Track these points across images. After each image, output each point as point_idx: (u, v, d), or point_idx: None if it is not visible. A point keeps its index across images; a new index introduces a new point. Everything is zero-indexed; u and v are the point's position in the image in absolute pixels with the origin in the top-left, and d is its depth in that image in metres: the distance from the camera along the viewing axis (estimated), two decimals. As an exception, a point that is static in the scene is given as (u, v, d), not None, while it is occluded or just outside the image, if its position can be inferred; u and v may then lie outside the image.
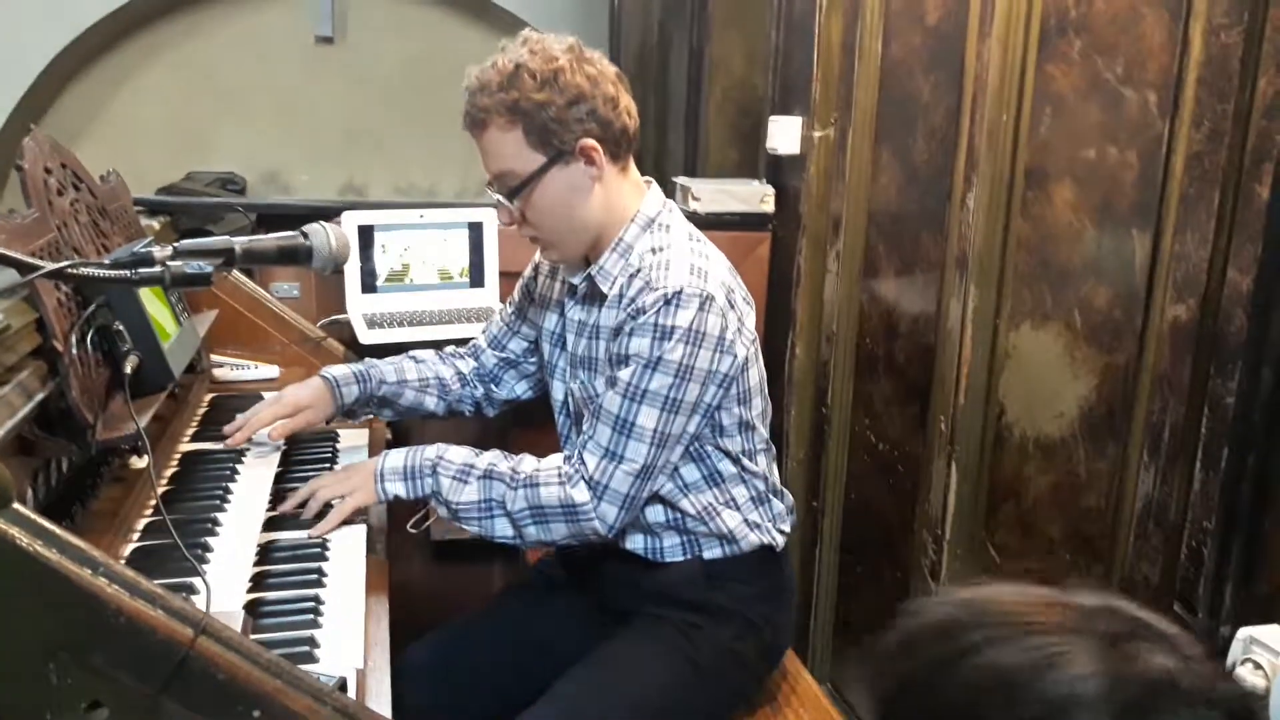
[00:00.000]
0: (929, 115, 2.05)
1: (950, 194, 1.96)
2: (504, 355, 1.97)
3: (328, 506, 1.66)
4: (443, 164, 4.91)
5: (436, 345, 2.06)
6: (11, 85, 4.21)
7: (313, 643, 1.34)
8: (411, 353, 2.00)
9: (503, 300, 2.49)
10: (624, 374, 1.58)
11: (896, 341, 2.20)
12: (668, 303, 1.55)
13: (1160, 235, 1.60)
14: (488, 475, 1.65)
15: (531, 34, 1.62)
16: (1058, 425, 1.75)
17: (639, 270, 1.62)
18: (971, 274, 1.88)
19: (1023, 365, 1.84)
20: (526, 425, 2.30)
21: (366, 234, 2.38)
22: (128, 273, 1.28)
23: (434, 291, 2.45)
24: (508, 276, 2.48)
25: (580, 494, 1.60)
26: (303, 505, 1.66)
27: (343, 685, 1.24)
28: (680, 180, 2.63)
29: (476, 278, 2.48)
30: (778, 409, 2.47)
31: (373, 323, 2.34)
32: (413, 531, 2.13)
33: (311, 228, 1.51)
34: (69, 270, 1.23)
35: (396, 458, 1.68)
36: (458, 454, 1.68)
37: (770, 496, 1.79)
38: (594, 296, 1.70)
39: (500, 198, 1.65)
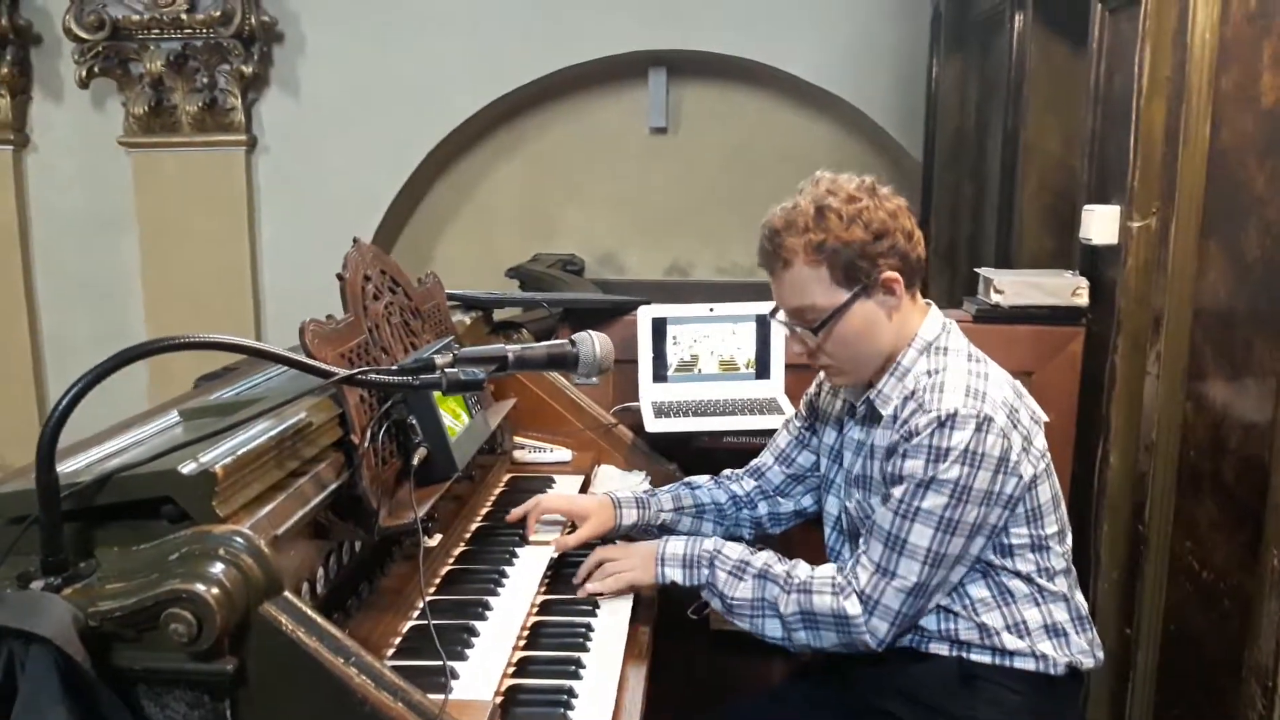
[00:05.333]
0: (1263, 207, 1.81)
1: (1288, 296, 1.72)
2: (791, 471, 1.98)
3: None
4: (765, 244, 5.00)
5: (720, 436, 2.09)
6: (395, 176, 4.80)
7: (557, 736, 1.39)
8: (688, 479, 2.05)
9: (787, 392, 2.49)
10: (897, 491, 1.58)
11: (1225, 457, 1.94)
12: (941, 425, 1.55)
13: None
14: (763, 575, 1.68)
15: (825, 174, 1.68)
16: None
17: (913, 393, 1.62)
18: (1313, 389, 1.64)
19: (1377, 500, 1.56)
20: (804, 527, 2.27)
21: (660, 326, 2.48)
22: (409, 379, 1.42)
23: (721, 381, 2.49)
24: (793, 369, 2.48)
25: (853, 607, 1.60)
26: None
27: (575, 787, 1.27)
28: (984, 271, 2.51)
29: (762, 370, 2.50)
30: (1087, 524, 2.27)
31: (660, 411, 2.42)
32: (693, 618, 2.16)
33: (580, 336, 1.60)
34: (359, 377, 1.38)
35: (677, 545, 1.76)
36: (733, 550, 1.73)
37: (1067, 629, 1.66)
38: (872, 418, 1.71)
39: (794, 328, 1.71)
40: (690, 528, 1.97)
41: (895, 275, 1.63)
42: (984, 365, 1.66)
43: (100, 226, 4.64)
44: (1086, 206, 2.33)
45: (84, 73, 4.32)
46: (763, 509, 1.99)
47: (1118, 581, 2.26)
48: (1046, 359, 2.42)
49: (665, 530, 1.96)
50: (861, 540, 1.65)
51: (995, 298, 2.39)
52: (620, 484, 2.20)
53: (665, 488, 2.02)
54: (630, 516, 1.94)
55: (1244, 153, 1.88)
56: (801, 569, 1.67)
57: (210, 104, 4.43)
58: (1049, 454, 1.68)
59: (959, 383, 1.58)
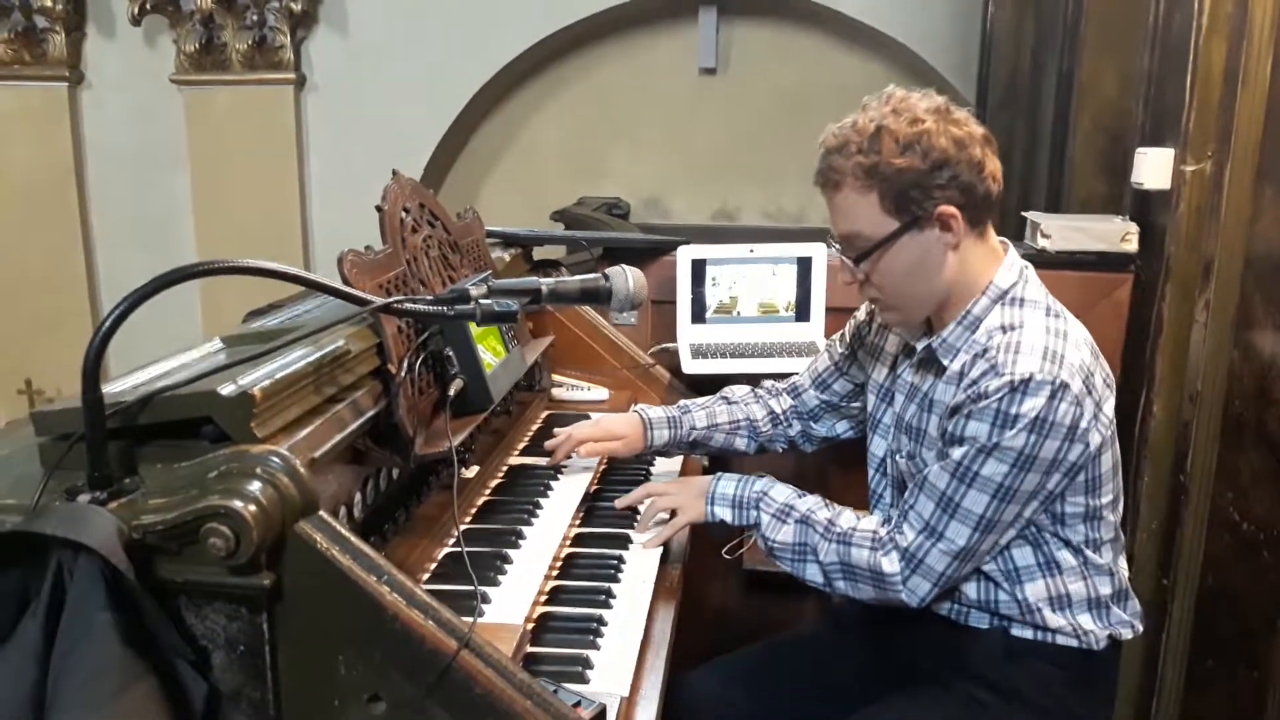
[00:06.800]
0: (1322, 150, 1.77)
1: (1342, 243, 1.68)
2: (826, 397, 1.96)
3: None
4: (813, 189, 4.92)
5: (757, 379, 2.09)
6: (442, 115, 4.79)
7: (586, 663, 1.41)
8: (726, 391, 2.04)
9: (828, 335, 2.47)
10: (956, 452, 1.50)
11: (1271, 408, 1.91)
12: (1013, 389, 1.44)
13: None
14: (805, 520, 1.65)
15: (896, 91, 1.57)
16: None
17: (985, 350, 1.51)
18: (1362, 338, 1.60)
19: None
20: (846, 466, 2.27)
21: (699, 267, 2.47)
22: (444, 309, 1.43)
23: (760, 324, 2.49)
24: (834, 312, 2.46)
25: (890, 564, 1.56)
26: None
27: (601, 713, 1.29)
28: (1031, 215, 2.46)
29: (803, 312, 2.48)
30: (1128, 473, 2.24)
31: (698, 353, 2.42)
32: (727, 558, 2.18)
33: (613, 271, 1.60)
34: (394, 305, 1.40)
35: (728, 485, 1.73)
36: (780, 492, 1.70)
37: (1111, 603, 1.61)
38: (932, 366, 1.63)
39: (842, 255, 1.62)
40: (722, 443, 1.98)
41: (952, 210, 1.50)
42: (1063, 322, 1.54)
43: (153, 164, 4.70)
44: (1139, 150, 2.27)
45: (136, 9, 4.34)
46: (796, 428, 1.99)
47: (1156, 531, 2.24)
48: (1092, 305, 2.37)
49: (696, 446, 1.97)
50: (909, 493, 1.59)
51: (1042, 242, 2.35)
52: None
53: (699, 401, 2.02)
54: (662, 436, 1.95)
55: (1305, 94, 1.83)
56: (846, 517, 1.64)
57: (260, 42, 4.45)
58: (1114, 421, 1.58)
59: (1036, 343, 1.47)
